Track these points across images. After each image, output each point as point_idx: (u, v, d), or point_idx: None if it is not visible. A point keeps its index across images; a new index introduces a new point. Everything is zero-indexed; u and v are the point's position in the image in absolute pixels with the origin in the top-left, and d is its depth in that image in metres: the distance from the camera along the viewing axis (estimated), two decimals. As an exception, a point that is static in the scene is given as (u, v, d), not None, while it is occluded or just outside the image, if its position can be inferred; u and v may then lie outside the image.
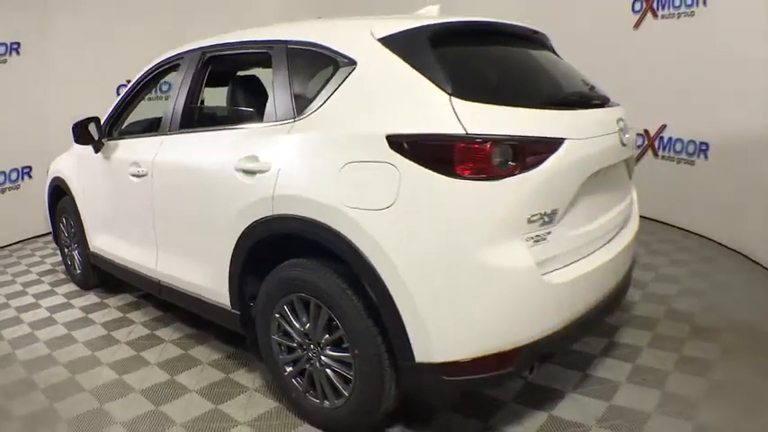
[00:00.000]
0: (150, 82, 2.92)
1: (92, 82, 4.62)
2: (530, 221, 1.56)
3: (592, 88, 2.12)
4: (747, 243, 3.57)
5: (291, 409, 2.10)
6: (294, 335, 1.97)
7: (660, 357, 2.38)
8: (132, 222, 2.79)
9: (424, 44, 1.69)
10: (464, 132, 1.51)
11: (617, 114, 2.00)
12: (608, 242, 2.02)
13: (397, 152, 1.57)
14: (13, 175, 4.65)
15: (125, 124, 3.08)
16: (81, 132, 2.89)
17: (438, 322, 1.58)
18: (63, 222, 3.60)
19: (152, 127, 2.89)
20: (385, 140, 1.59)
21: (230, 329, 2.36)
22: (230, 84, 2.57)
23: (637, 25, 4.33)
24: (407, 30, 1.75)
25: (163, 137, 2.56)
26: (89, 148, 2.99)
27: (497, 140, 1.50)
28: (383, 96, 1.70)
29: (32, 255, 4.41)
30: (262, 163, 1.93)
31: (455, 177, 1.50)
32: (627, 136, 1.98)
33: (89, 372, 2.50)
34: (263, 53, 2.17)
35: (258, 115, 2.09)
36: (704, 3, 3.78)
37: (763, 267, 3.37)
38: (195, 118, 2.50)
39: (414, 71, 1.64)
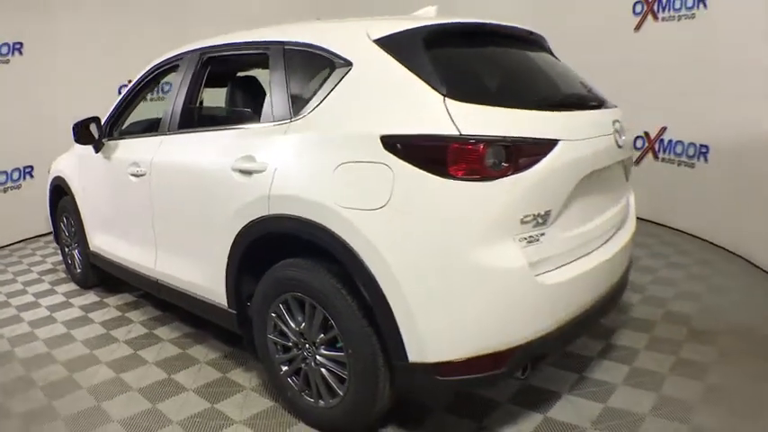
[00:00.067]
0: (150, 82, 2.94)
1: (93, 82, 4.64)
2: (523, 222, 1.56)
3: (588, 90, 2.12)
4: (747, 246, 3.56)
5: (287, 409, 2.11)
6: (290, 334, 1.98)
7: (657, 360, 2.37)
8: (131, 222, 2.81)
9: (418, 45, 1.70)
10: (457, 133, 1.51)
11: (613, 116, 2.00)
12: (604, 243, 2.02)
13: (391, 153, 1.58)
14: (15, 175, 4.68)
15: (125, 124, 3.10)
16: (81, 132, 2.91)
17: (431, 322, 1.58)
18: (63, 222, 3.62)
19: (152, 127, 2.90)
20: (379, 141, 1.60)
21: (228, 329, 2.37)
22: (229, 84, 2.59)
23: (637, 27, 4.33)
24: (403, 31, 1.76)
25: (162, 137, 2.57)
26: (89, 147, 3.02)
27: (490, 141, 1.51)
28: (378, 97, 1.71)
29: (33, 254, 4.43)
30: (258, 163, 1.95)
31: (448, 178, 1.51)
32: (623, 138, 1.98)
33: (87, 370, 2.51)
34: (260, 54, 2.18)
35: (255, 116, 2.10)
36: (704, 5, 3.78)
37: (763, 270, 3.37)
38: (194, 118, 2.52)
39: (408, 72, 1.65)
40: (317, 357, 1.90)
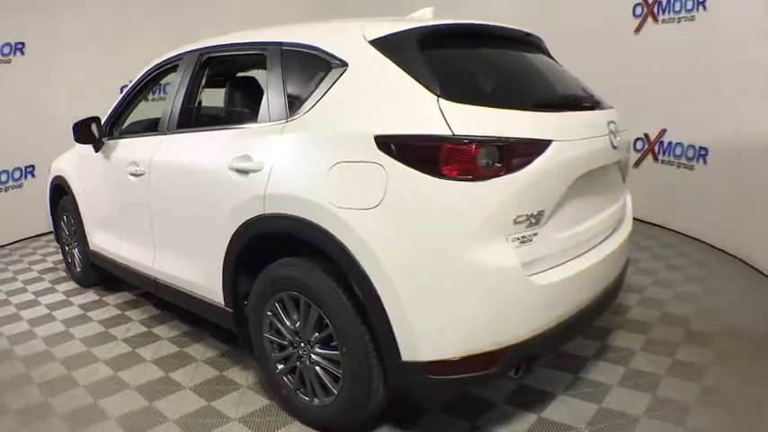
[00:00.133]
0: (150, 82, 2.96)
1: (95, 82, 4.66)
2: (516, 222, 1.57)
3: (583, 91, 2.13)
4: (745, 248, 3.56)
5: (282, 407, 2.12)
6: (285, 333, 1.99)
7: (653, 361, 2.37)
8: (130, 221, 2.82)
9: (413, 46, 1.71)
10: (450, 133, 1.52)
11: (608, 117, 2.01)
12: (599, 244, 2.02)
13: (385, 152, 1.59)
14: (17, 174, 4.70)
15: (125, 124, 3.12)
16: (81, 132, 2.93)
17: (424, 321, 1.59)
18: (64, 221, 3.64)
19: (151, 127, 2.92)
20: (373, 141, 1.61)
21: (225, 327, 2.38)
22: (228, 85, 2.60)
23: (638, 30, 4.33)
24: (398, 32, 1.77)
25: (161, 136, 2.59)
26: (89, 147, 3.04)
27: (483, 141, 1.52)
28: (373, 97, 1.73)
29: (34, 253, 4.46)
30: (254, 162, 1.96)
31: (441, 178, 1.52)
32: (618, 139, 1.99)
33: (85, 368, 2.53)
34: (258, 54, 2.20)
35: (253, 116, 2.12)
36: (704, 8, 3.78)
37: (761, 273, 3.36)
38: (192, 118, 2.54)
39: (403, 73, 1.66)
40: (312, 356, 1.91)
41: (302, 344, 1.94)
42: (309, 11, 5.66)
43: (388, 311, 1.61)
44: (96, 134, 2.96)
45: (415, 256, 1.57)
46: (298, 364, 1.97)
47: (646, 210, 4.47)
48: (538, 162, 1.58)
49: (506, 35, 2.10)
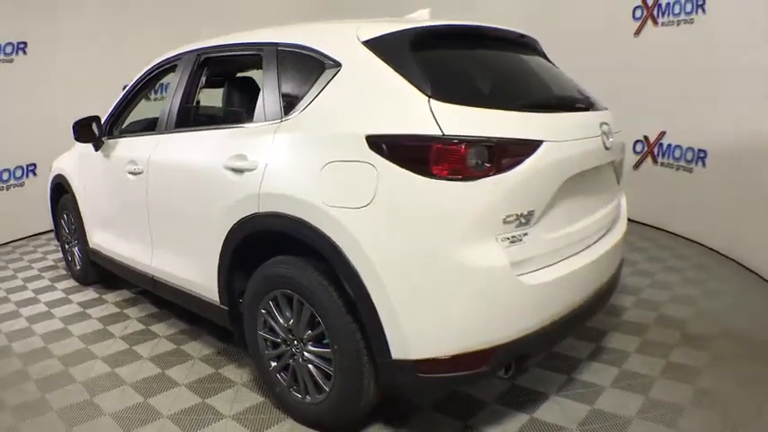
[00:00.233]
0: (149, 82, 2.99)
1: (96, 81, 4.70)
2: (505, 222, 1.58)
3: (577, 92, 2.14)
4: (744, 251, 3.55)
5: (276, 404, 2.14)
6: (278, 330, 2.00)
7: (647, 363, 2.37)
8: (129, 219, 2.84)
9: (406, 47, 1.73)
10: (440, 134, 1.54)
11: (601, 118, 2.01)
12: (592, 245, 2.03)
13: (376, 152, 1.60)
14: (18, 173, 4.74)
15: (125, 123, 3.15)
16: (81, 131, 2.96)
17: (413, 319, 1.60)
18: (64, 219, 3.67)
19: (150, 126, 2.95)
20: (365, 141, 1.62)
21: (221, 326, 2.40)
22: (226, 85, 2.62)
23: (637, 32, 4.34)
24: (391, 33, 1.79)
25: (159, 136, 2.62)
26: (90, 146, 3.06)
27: (473, 142, 1.53)
28: (365, 97, 1.74)
29: (35, 251, 4.49)
30: (249, 161, 1.98)
31: (431, 177, 1.53)
32: (611, 140, 1.99)
33: (82, 364, 2.55)
34: (255, 55, 2.22)
35: (249, 115, 2.14)
36: (703, 11, 3.79)
37: (758, 275, 3.36)
38: (190, 118, 2.56)
39: (395, 73, 1.68)
40: (305, 353, 1.93)
41: (295, 342, 1.96)
42: (309, 11, 5.69)
43: (378, 310, 1.62)
44: (96, 133, 2.98)
45: (406, 254, 1.58)
46: (291, 361, 1.98)
47: (645, 212, 4.48)
48: (528, 162, 1.59)
49: (500, 36, 2.11)
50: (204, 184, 2.20)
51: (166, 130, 2.57)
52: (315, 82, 1.87)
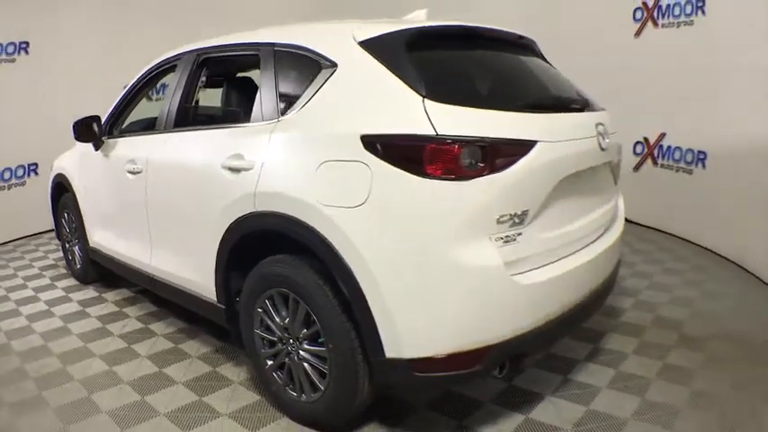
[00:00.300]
0: (149, 82, 3.01)
1: (99, 81, 4.72)
2: (499, 222, 1.58)
3: (573, 92, 2.14)
4: (743, 253, 3.55)
5: (272, 403, 2.14)
6: (275, 329, 2.01)
7: (644, 364, 2.37)
8: (128, 218, 2.86)
9: (401, 48, 1.74)
10: (434, 133, 1.54)
11: (597, 119, 2.01)
12: (588, 245, 2.03)
13: (371, 152, 1.61)
14: (20, 172, 4.76)
15: (125, 123, 3.16)
16: (81, 130, 2.98)
17: (407, 319, 1.61)
18: (65, 218, 3.69)
19: (150, 126, 2.96)
20: (359, 140, 1.63)
21: (220, 324, 2.40)
22: (224, 84, 2.64)
23: (638, 33, 4.34)
24: (386, 33, 1.80)
25: (158, 135, 2.63)
26: (90, 145, 3.08)
27: (466, 141, 1.54)
28: (361, 97, 1.75)
29: (36, 250, 4.51)
30: (246, 161, 1.99)
31: (425, 177, 1.54)
32: (606, 140, 1.99)
33: (81, 363, 2.56)
34: (252, 55, 2.23)
35: (246, 115, 2.15)
36: (703, 12, 3.79)
37: (757, 277, 3.35)
38: (189, 117, 2.58)
39: (390, 73, 1.69)
40: (300, 352, 1.93)
41: (291, 340, 1.96)
42: (309, 11, 5.71)
43: (372, 309, 1.63)
44: (96, 133, 3.00)
45: (399, 254, 1.59)
46: (286, 360, 1.99)
47: (645, 214, 4.48)
48: (522, 162, 1.60)
49: (497, 37, 2.12)
50: (202, 184, 2.22)
51: (165, 130, 2.59)
52: (311, 82, 1.88)
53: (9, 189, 4.71)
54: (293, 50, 2.01)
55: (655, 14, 4.20)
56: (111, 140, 3.02)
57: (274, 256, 1.97)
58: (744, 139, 3.48)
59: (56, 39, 4.70)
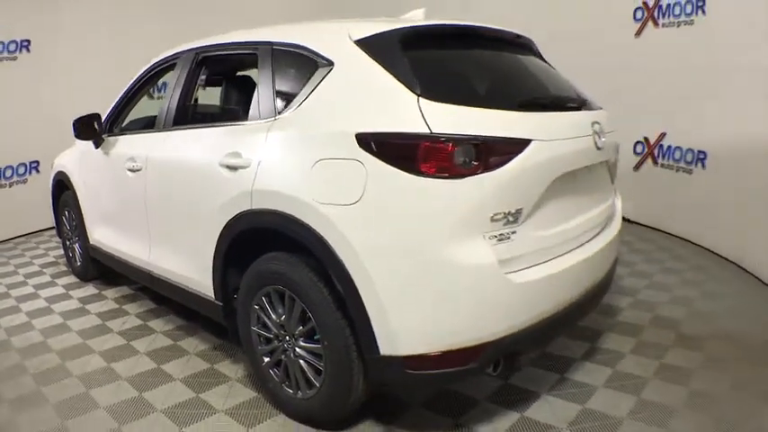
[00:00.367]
0: (149, 81, 3.02)
1: (100, 79, 4.72)
2: (493, 220, 1.59)
3: (569, 91, 2.14)
4: (743, 253, 3.54)
5: (269, 400, 2.15)
6: (271, 326, 2.02)
7: (641, 364, 2.37)
8: (128, 215, 2.87)
9: (396, 46, 1.74)
10: (428, 132, 1.55)
11: (593, 117, 2.02)
12: (584, 244, 2.03)
13: (366, 150, 1.62)
14: (21, 170, 4.79)
15: (125, 121, 3.18)
16: (81, 128, 2.99)
17: (401, 316, 1.62)
18: (65, 215, 3.71)
19: (150, 124, 2.97)
20: (354, 138, 1.64)
21: (219, 322, 2.42)
22: (224, 83, 2.65)
23: (638, 33, 4.33)
24: (382, 32, 1.80)
25: (157, 133, 2.64)
26: (90, 143, 3.10)
27: (460, 140, 1.54)
28: (356, 96, 1.76)
29: (37, 247, 4.54)
30: (243, 159, 2.00)
31: (419, 175, 1.55)
32: (603, 139, 2.00)
33: (79, 359, 2.58)
34: (250, 54, 2.24)
35: (244, 113, 2.16)
36: (703, 12, 3.78)
37: (756, 278, 3.34)
38: (187, 116, 2.59)
39: (385, 72, 1.69)
40: (296, 349, 1.94)
41: (287, 337, 1.97)
42: (310, 10, 5.71)
43: (366, 306, 1.64)
44: (96, 131, 3.01)
45: (394, 251, 1.59)
46: (283, 357, 2.00)
47: (645, 213, 4.47)
48: (516, 161, 1.60)
49: (493, 36, 2.12)
50: (200, 181, 2.23)
51: (165, 128, 2.60)
52: (308, 80, 1.89)
53: (11, 187, 4.74)
54: (290, 49, 2.02)
55: (655, 14, 4.19)
56: (111, 138, 3.04)
57: (270, 253, 1.98)
58: (744, 139, 3.48)
59: (57, 37, 4.72)
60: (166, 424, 2.04)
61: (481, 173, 1.55)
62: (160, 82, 3.31)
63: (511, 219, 1.62)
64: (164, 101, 2.66)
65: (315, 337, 1.86)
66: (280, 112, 1.96)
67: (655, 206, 4.41)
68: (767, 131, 3.28)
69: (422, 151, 1.54)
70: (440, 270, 1.56)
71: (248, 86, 2.57)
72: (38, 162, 4.84)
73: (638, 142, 4.50)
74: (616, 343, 2.57)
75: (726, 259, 3.68)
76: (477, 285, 1.59)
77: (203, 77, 2.61)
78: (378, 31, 1.81)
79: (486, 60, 2.03)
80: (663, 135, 4.31)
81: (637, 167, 4.53)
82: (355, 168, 1.62)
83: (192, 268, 2.37)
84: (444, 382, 2.05)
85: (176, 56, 2.71)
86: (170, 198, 2.49)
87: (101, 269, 3.49)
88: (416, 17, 2.19)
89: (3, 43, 4.46)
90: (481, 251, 1.57)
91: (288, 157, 1.86)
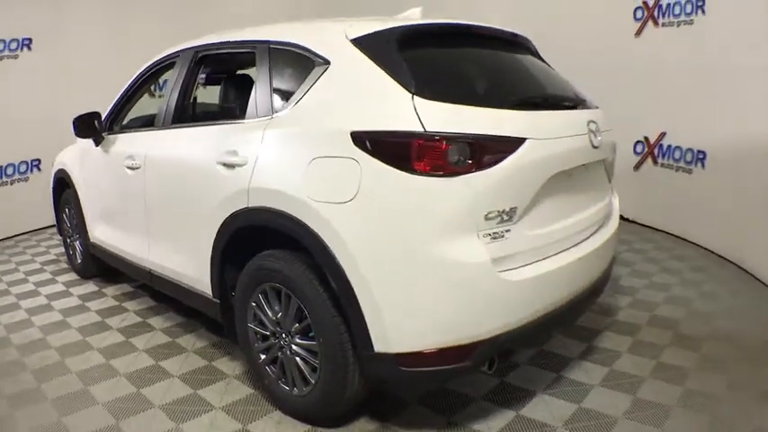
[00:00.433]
0: (149, 79, 3.03)
1: (101, 77, 4.72)
2: (487, 218, 1.59)
3: (565, 90, 2.14)
4: (742, 253, 3.53)
5: (265, 396, 2.16)
6: (267, 323, 2.03)
7: (638, 363, 2.37)
8: (127, 213, 2.89)
9: (392, 45, 1.75)
10: (422, 130, 1.55)
11: (588, 116, 2.02)
12: (580, 242, 2.03)
13: (360, 148, 1.62)
14: (23, 168, 4.81)
15: (125, 119, 3.19)
16: (81, 126, 3.01)
17: (395, 313, 1.62)
18: (66, 213, 3.73)
19: (149, 122, 2.99)
20: (349, 137, 1.65)
21: (217, 319, 2.43)
22: (223, 81, 2.66)
23: (638, 33, 4.33)
24: (378, 31, 1.81)
25: (156, 132, 2.66)
26: (91, 142, 3.11)
27: (453, 138, 1.55)
28: (352, 94, 1.77)
29: (38, 245, 4.56)
30: (240, 157, 2.01)
31: (413, 173, 1.55)
32: (598, 138, 2.00)
33: (79, 356, 2.59)
34: (248, 52, 2.25)
35: (242, 112, 2.17)
36: (703, 12, 3.77)
37: (756, 278, 3.34)
38: (186, 114, 2.60)
39: (380, 71, 1.70)
40: (292, 346, 1.95)
41: (283, 334, 1.98)
42: (310, 10, 5.72)
43: (360, 303, 1.64)
44: (96, 129, 3.03)
45: (388, 249, 1.60)
46: (279, 354, 2.01)
47: (645, 213, 4.47)
48: (510, 159, 1.60)
49: (490, 35, 2.13)
50: (198, 179, 2.24)
51: (164, 126, 2.61)
52: (304, 79, 1.90)
53: (12, 184, 4.76)
54: (288, 48, 2.03)
55: (655, 14, 4.18)
56: (110, 136, 3.05)
57: (267, 251, 1.99)
58: (743, 139, 3.47)
59: (59, 35, 4.73)
60: (164, 420, 2.05)
61: (475, 171, 1.56)
62: (161, 80, 3.32)
63: (505, 217, 1.63)
64: (163, 99, 2.68)
65: (310, 335, 1.87)
66: (276, 111, 1.97)
67: (654, 206, 4.40)
68: (767, 131, 3.27)
69: (416, 149, 1.55)
70: (433, 268, 1.57)
71: (246, 85, 2.57)
72: (39, 160, 4.86)
73: (638, 142, 4.49)
74: (613, 342, 2.57)
75: (725, 259, 3.68)
76: (471, 283, 1.59)
77: (202, 76, 2.63)
78: (374, 30, 1.82)
79: (482, 59, 2.03)
80: (663, 135, 4.30)
81: (637, 167, 4.52)
82: (350, 166, 1.63)
83: (190, 266, 2.38)
84: (439, 380, 2.05)
85: (175, 54, 2.72)
86: (168, 196, 2.50)
87: (101, 267, 3.50)
88: (413, 16, 2.19)
89: (4, 41, 4.48)
90: (475, 249, 1.58)
91: (284, 155, 1.87)
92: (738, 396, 2.10)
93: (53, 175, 3.77)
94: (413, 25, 1.89)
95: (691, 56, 3.88)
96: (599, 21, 4.51)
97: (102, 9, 4.97)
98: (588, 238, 2.10)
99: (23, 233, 4.89)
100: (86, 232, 3.40)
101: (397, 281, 1.61)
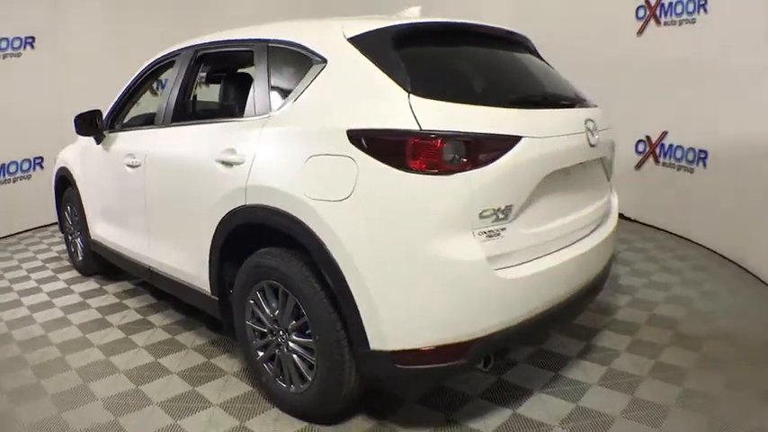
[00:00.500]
0: (149, 78, 3.04)
1: (103, 75, 4.75)
2: (482, 217, 1.59)
3: (563, 89, 2.14)
4: (743, 253, 3.52)
5: (263, 394, 2.17)
6: (265, 321, 2.04)
7: (636, 363, 2.36)
8: (127, 211, 2.90)
9: (388, 44, 1.76)
10: (418, 128, 1.56)
11: (586, 115, 2.01)
12: (578, 240, 2.03)
13: (356, 146, 1.63)
14: (25, 165, 4.83)
15: (126, 117, 3.20)
16: (82, 124, 3.02)
17: (390, 311, 1.63)
18: (68, 211, 3.74)
19: (150, 120, 3.00)
20: (345, 135, 1.65)
21: (215, 316, 2.44)
22: (222, 80, 2.67)
23: (640, 32, 4.31)
24: (375, 30, 1.81)
25: (156, 130, 2.67)
26: (92, 139, 3.13)
27: (449, 136, 1.55)
28: (348, 93, 1.77)
29: (40, 242, 4.58)
30: (238, 155, 2.02)
31: (408, 171, 1.56)
32: (596, 136, 1.99)
33: (79, 352, 2.61)
34: (247, 51, 2.26)
35: (240, 110, 2.18)
36: (705, 10, 3.76)
37: (757, 277, 3.32)
38: (185, 112, 2.61)
39: (377, 69, 1.71)
40: (290, 344, 1.96)
41: (281, 332, 1.99)
42: (310, 12, 5.72)
43: (356, 301, 1.65)
44: (97, 127, 3.04)
45: (383, 247, 1.60)
46: (276, 351, 2.02)
47: (646, 212, 4.46)
48: (506, 157, 1.60)
49: (487, 33, 2.13)
50: (197, 177, 2.25)
51: (163, 125, 2.62)
52: (302, 77, 1.91)
53: (15, 182, 4.79)
54: (285, 46, 2.04)
55: (657, 12, 4.17)
56: (111, 134, 3.07)
57: (265, 248, 2.00)
58: (745, 139, 3.46)
59: (61, 34, 4.75)
60: (162, 416, 2.06)
61: (470, 169, 1.56)
62: (162, 78, 3.32)
63: (500, 215, 1.63)
64: (162, 97, 2.69)
65: (307, 332, 1.88)
66: (274, 109, 1.98)
67: (656, 205, 4.39)
68: (768, 131, 3.27)
69: (411, 148, 1.55)
70: (428, 266, 1.57)
71: (245, 83, 2.57)
72: (41, 158, 4.89)
73: (639, 141, 4.48)
74: (612, 341, 2.57)
75: (726, 259, 3.67)
76: (466, 281, 1.60)
77: (202, 74, 2.64)
78: (371, 29, 1.82)
79: (479, 58, 2.03)
80: (664, 134, 4.29)
81: (638, 166, 4.51)
82: (346, 164, 1.64)
83: (189, 263, 2.39)
84: (434, 378, 2.05)
85: (176, 53, 2.73)
86: (168, 194, 2.51)
87: (102, 264, 3.52)
88: (412, 14, 2.19)
89: (7, 39, 4.50)
90: (470, 247, 1.58)
91: (281, 153, 1.88)
92: (738, 396, 2.09)
93: (55, 173, 3.79)
94: (410, 24, 1.89)
95: (693, 55, 3.86)
96: (601, 20, 4.50)
97: (104, 9, 4.99)
98: (586, 236, 2.10)
99: (26, 230, 4.92)
100: (87, 230, 3.42)
101: (393, 278, 1.61)
